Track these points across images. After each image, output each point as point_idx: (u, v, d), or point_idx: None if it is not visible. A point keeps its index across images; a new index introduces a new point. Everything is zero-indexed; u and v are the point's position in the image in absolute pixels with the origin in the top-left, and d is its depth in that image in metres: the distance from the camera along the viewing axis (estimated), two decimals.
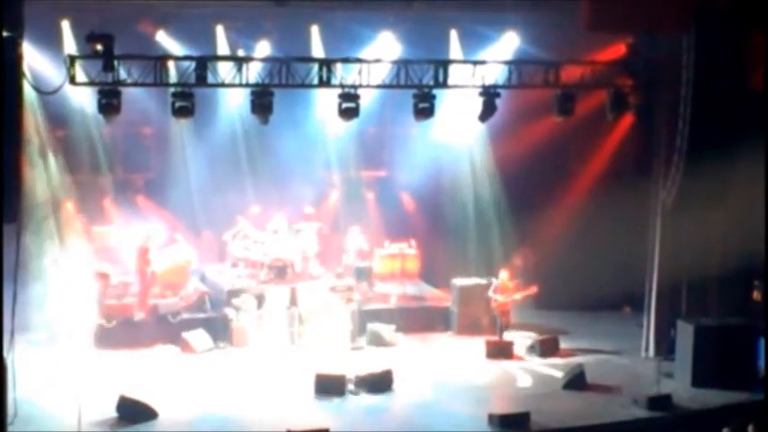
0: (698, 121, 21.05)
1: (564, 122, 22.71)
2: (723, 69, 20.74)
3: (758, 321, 21.03)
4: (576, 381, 20.34)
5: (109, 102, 20.00)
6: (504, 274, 22.91)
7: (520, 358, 22.23)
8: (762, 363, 20.56)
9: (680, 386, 20.21)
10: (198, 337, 22.06)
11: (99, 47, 19.31)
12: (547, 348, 22.48)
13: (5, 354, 17.06)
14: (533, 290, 23.09)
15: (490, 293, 22.87)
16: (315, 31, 22.93)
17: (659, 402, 19.12)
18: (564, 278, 24.43)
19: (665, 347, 21.70)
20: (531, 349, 22.56)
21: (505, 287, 22.73)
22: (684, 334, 20.81)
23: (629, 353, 22.56)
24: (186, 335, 22.00)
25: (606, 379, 20.72)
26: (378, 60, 21.87)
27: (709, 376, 20.20)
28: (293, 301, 22.67)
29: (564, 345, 22.89)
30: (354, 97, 21.05)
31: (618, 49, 22.82)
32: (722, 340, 20.49)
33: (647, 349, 22.49)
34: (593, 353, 22.63)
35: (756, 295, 21.39)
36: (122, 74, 20.01)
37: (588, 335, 23.78)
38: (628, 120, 23.59)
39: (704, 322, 20.81)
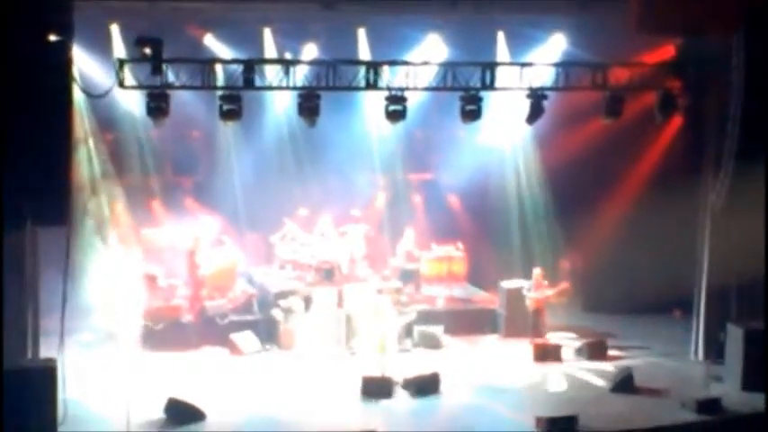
0: (747, 123, 20.87)
1: (612, 125, 22.58)
2: None
3: None
4: (625, 384, 20.25)
5: (157, 105, 20.12)
6: (536, 273, 22.92)
7: (568, 361, 22.16)
8: None
9: (729, 390, 20.06)
10: (245, 339, 22.15)
11: (148, 50, 19.42)
12: (594, 351, 22.38)
13: (56, 355, 17.25)
14: (565, 286, 23.09)
15: (524, 292, 22.90)
16: (362, 33, 22.94)
17: (708, 406, 18.98)
18: (612, 281, 24.35)
19: (715, 351, 21.50)
20: (579, 352, 22.47)
21: (538, 285, 22.76)
22: (734, 337, 20.65)
23: (678, 356, 22.42)
24: (234, 337, 22.10)
25: (654, 382, 20.60)
26: (425, 63, 21.89)
27: (759, 380, 19.98)
28: (340, 304, 22.70)
29: (612, 348, 22.79)
30: (401, 100, 21.05)
31: (666, 51, 22.67)
32: None
33: (696, 352, 22.35)
34: (642, 356, 22.51)
35: None
36: (171, 77, 20.12)
37: (637, 338, 23.65)
38: (677, 122, 23.45)
39: (754, 326, 20.62)
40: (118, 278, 21.99)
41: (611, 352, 22.62)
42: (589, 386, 20.69)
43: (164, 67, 19.76)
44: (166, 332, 22.11)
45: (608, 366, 21.63)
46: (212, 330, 22.35)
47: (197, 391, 19.04)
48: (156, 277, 23.04)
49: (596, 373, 21.32)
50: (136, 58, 19.94)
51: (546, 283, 23.04)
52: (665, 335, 23.78)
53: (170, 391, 18.54)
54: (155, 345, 21.81)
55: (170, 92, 20.18)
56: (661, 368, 21.81)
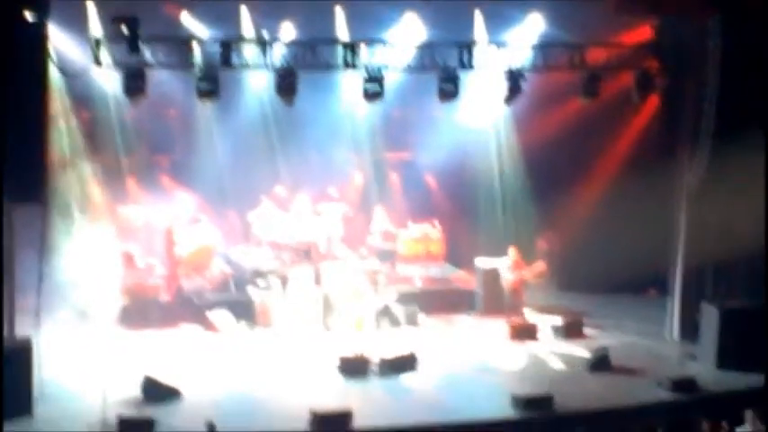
0: (724, 103, 20.97)
1: (589, 105, 22.66)
2: (750, 52, 20.65)
3: None
4: (601, 363, 20.34)
5: (134, 84, 20.10)
6: (511, 252, 22.99)
7: (544, 340, 22.24)
8: None
9: (704, 369, 20.15)
10: (222, 318, 22.14)
11: (124, 29, 19.35)
12: (571, 330, 22.48)
13: (31, 334, 17.22)
14: (542, 266, 23.19)
15: (501, 272, 22.98)
16: (339, 12, 22.86)
17: (683, 384, 19.09)
18: (588, 260, 24.34)
19: (690, 330, 21.62)
20: (556, 331, 22.55)
21: (515, 264, 22.85)
22: (709, 316, 20.74)
23: (654, 335, 22.50)
24: (211, 315, 22.10)
25: (630, 361, 20.68)
26: (402, 42, 21.86)
27: (734, 359, 20.11)
28: (317, 282, 22.71)
29: (588, 327, 22.89)
30: (379, 79, 21.06)
31: (644, 31, 22.73)
32: (747, 323, 20.38)
33: (671, 332, 22.45)
34: (618, 335, 22.58)
35: None
36: (147, 56, 20.06)
37: (613, 317, 23.75)
38: (653, 102, 23.50)
39: (729, 305, 20.73)
40: (94, 256, 21.95)
41: (587, 331, 22.72)
42: (565, 365, 20.75)
43: (140, 45, 19.68)
44: (143, 310, 22.09)
45: (584, 346, 21.70)
46: (189, 309, 22.36)
47: (173, 370, 19.03)
48: (133, 256, 23.00)
49: (572, 353, 21.40)
50: (112, 37, 19.87)
51: (523, 262, 23.13)
52: (640, 314, 23.85)
53: (146, 370, 18.52)
54: (131, 323, 21.80)
55: (147, 70, 20.12)
56: (637, 347, 21.89)
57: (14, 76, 16.71)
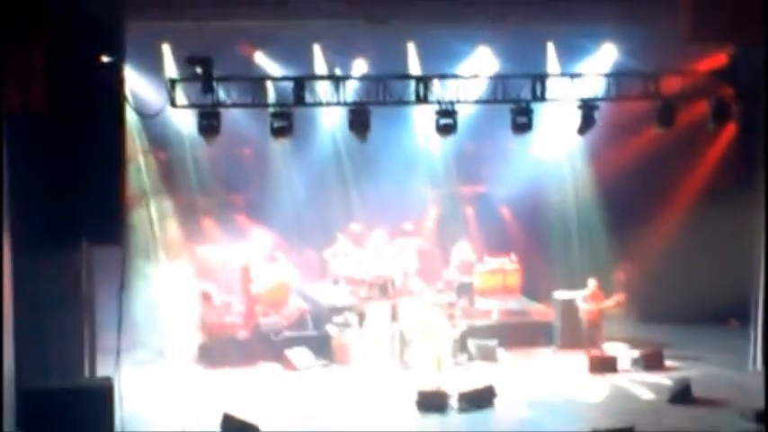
0: None
1: (665, 134, 22.44)
2: None
3: None
4: (682, 394, 20.08)
5: (209, 123, 20.26)
6: (591, 283, 22.82)
7: (624, 372, 22.01)
8: None
9: None
10: (300, 355, 22.21)
11: (198, 69, 19.58)
12: (651, 362, 22.22)
13: (113, 373, 17.37)
14: (621, 297, 23.00)
15: (578, 303, 22.82)
16: (411, 47, 22.96)
17: (766, 416, 18.77)
18: (667, 291, 24.17)
19: None
20: (635, 363, 22.31)
21: (593, 296, 22.67)
22: None
23: (736, 366, 22.20)
24: (288, 353, 22.17)
25: (712, 392, 20.41)
26: (475, 76, 21.88)
27: None
28: (394, 318, 22.68)
29: (668, 358, 22.61)
30: (452, 113, 21.05)
31: (718, 59, 22.50)
32: None
33: (754, 362, 22.12)
34: (699, 366, 22.32)
35: None
36: (222, 95, 20.26)
37: (693, 348, 23.46)
38: (730, 130, 23.28)
39: None
40: (172, 296, 22.15)
41: (667, 362, 22.45)
42: (646, 397, 20.54)
43: (214, 85, 19.88)
44: (222, 349, 22.23)
45: (665, 377, 21.47)
46: (267, 347, 22.43)
47: (252, 407, 19.09)
48: (211, 295, 23.17)
49: (653, 385, 21.16)
50: (187, 77, 20.11)
51: (602, 293, 22.94)
52: (722, 345, 23.56)
53: (225, 408, 18.59)
54: (210, 361, 21.94)
55: (221, 110, 20.32)
56: (719, 378, 21.60)
57: (92, 118, 16.95)
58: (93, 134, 16.99)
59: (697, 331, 24.41)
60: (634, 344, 23.36)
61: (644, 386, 21.15)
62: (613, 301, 23.14)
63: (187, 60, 19.79)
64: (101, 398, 16.79)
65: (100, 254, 18.18)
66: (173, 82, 20.19)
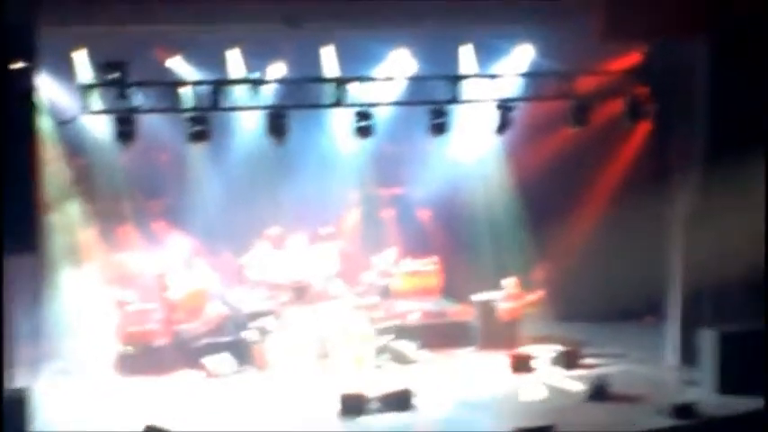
0: (715, 127, 21.02)
1: (581, 133, 22.67)
2: (740, 74, 20.71)
3: None
4: (600, 391, 20.27)
5: (125, 129, 20.10)
6: (509, 283, 22.98)
7: (543, 370, 22.17)
8: None
9: (704, 394, 20.10)
10: (220, 362, 22.06)
11: (114, 74, 19.41)
12: (570, 360, 22.42)
13: (27, 384, 17.15)
14: (539, 294, 23.21)
15: (498, 303, 22.96)
16: (328, 51, 22.92)
17: (683, 411, 19.01)
18: (585, 289, 24.33)
19: (689, 355, 21.56)
20: (555, 361, 22.49)
21: (511, 295, 22.83)
22: (708, 341, 20.70)
23: (653, 362, 22.47)
24: (208, 359, 22.03)
25: (630, 389, 20.62)
26: (392, 78, 21.91)
27: (733, 382, 20.08)
28: (315, 322, 22.63)
29: (586, 356, 22.82)
30: (369, 116, 21.09)
31: (633, 57, 22.79)
32: (746, 346, 20.38)
33: (670, 358, 22.40)
34: (617, 363, 22.54)
35: None
36: (138, 100, 20.10)
37: (611, 345, 23.67)
38: (645, 128, 23.54)
39: (727, 328, 20.69)
40: (90, 304, 21.90)
41: (586, 360, 22.66)
42: (565, 395, 20.72)
43: (130, 90, 19.72)
44: (140, 357, 22.01)
45: (583, 375, 21.66)
46: (186, 354, 22.22)
47: (173, 416, 18.94)
48: (128, 302, 22.95)
49: (572, 382, 21.35)
50: (102, 83, 19.92)
51: (520, 292, 23.11)
52: (639, 341, 23.79)
53: (146, 417, 18.44)
54: (129, 370, 21.71)
55: (137, 115, 20.15)
56: (636, 375, 21.84)
57: (5, 125, 16.73)
58: (6, 141, 16.77)
59: (614, 328, 24.62)
60: (553, 342, 23.53)
61: (563, 384, 21.33)
62: (530, 299, 23.32)
63: (102, 66, 19.61)
64: (16, 409, 16.59)
65: (13, 263, 17.91)
66: (87, 88, 19.97)
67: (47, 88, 20.17)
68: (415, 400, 19.86)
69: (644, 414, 19.31)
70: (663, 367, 22.20)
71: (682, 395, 19.84)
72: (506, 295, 23.08)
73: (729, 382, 20.16)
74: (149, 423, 18.08)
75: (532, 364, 22.25)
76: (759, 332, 20.70)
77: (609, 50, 22.37)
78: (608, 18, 20.73)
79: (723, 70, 20.77)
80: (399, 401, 19.78)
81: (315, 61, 22.71)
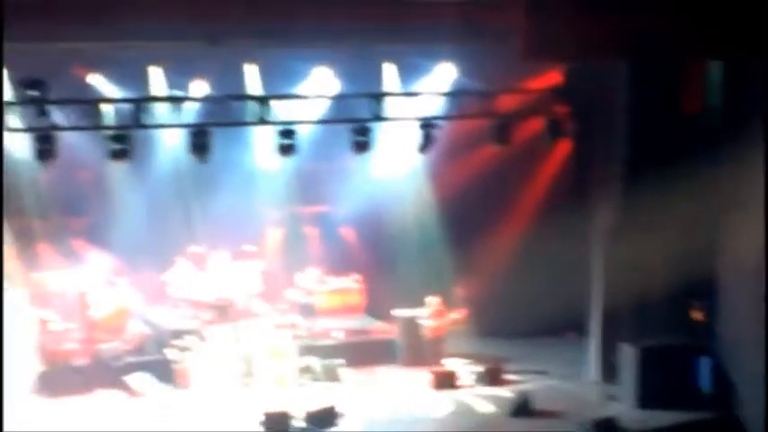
0: (634, 146, 21.30)
1: (503, 151, 22.86)
2: (657, 94, 21.04)
3: (699, 340, 21.28)
4: (522, 407, 20.41)
5: (44, 147, 19.88)
6: (433, 300, 23.08)
7: (466, 387, 22.26)
8: (705, 381, 20.77)
9: (624, 408, 20.35)
10: (141, 381, 21.86)
11: (33, 92, 19.20)
12: (492, 376, 22.53)
13: None
14: (463, 312, 23.35)
15: (421, 320, 23.04)
16: (251, 68, 22.87)
17: (604, 425, 19.20)
18: (507, 306, 24.52)
19: (610, 371, 21.79)
20: (477, 378, 22.60)
21: (436, 313, 22.93)
22: (627, 356, 20.96)
23: (574, 377, 22.66)
24: (129, 379, 21.82)
25: (552, 404, 20.80)
26: (315, 96, 21.93)
27: (653, 397, 20.36)
28: (237, 340, 22.54)
29: (509, 372, 22.96)
30: (292, 133, 21.09)
31: (553, 76, 23.06)
32: (665, 361, 20.69)
33: (591, 373, 22.61)
34: (539, 379, 22.72)
35: (697, 315, 21.58)
36: (57, 119, 19.91)
37: (533, 361, 23.83)
38: (565, 146, 23.80)
39: (646, 344, 20.97)
40: (9, 324, 21.58)
41: (508, 376, 22.79)
42: (487, 412, 20.82)
43: (50, 108, 19.53)
44: (60, 377, 21.74)
45: (506, 391, 21.79)
46: (107, 373, 21.97)
47: None
48: (48, 321, 22.68)
49: (494, 399, 21.46)
50: (21, 101, 19.70)
51: (444, 310, 23.20)
52: (560, 357, 24.00)
53: None
54: (48, 390, 21.43)
55: (57, 133, 19.96)
56: (558, 390, 22.03)
57: None
58: None
59: (536, 344, 24.78)
60: (476, 359, 23.62)
61: (486, 401, 21.44)
62: (455, 316, 23.42)
63: (20, 83, 19.41)
64: None
65: None
66: (7, 105, 19.74)
67: None
68: (339, 419, 19.86)
69: (565, 429, 19.48)
70: (584, 382, 22.40)
71: (603, 410, 20.04)
72: (430, 313, 23.15)
73: (649, 396, 20.41)
74: None
75: (455, 380, 22.34)
76: (678, 346, 21.06)
77: (530, 69, 22.61)
78: (529, 38, 20.85)
79: (642, 89, 21.03)
80: (324, 419, 19.76)
81: (237, 79, 22.65)
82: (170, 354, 22.39)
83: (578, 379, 22.57)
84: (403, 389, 22.24)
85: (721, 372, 20.72)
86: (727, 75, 21.10)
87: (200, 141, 20.68)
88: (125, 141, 20.36)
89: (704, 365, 20.88)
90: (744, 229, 20.00)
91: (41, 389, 21.43)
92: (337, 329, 24.71)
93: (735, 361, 20.42)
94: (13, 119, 19.82)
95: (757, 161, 19.51)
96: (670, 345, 21.09)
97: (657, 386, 20.46)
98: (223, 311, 23.58)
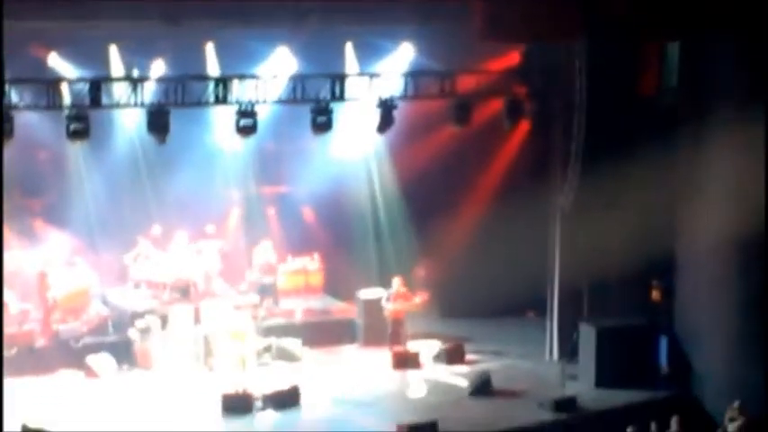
0: (592, 127, 21.43)
1: (462, 132, 22.93)
2: (615, 75, 21.15)
3: (657, 320, 21.47)
4: (483, 387, 20.54)
5: (2, 126, 19.72)
6: (396, 282, 23.13)
7: (426, 367, 22.34)
8: (663, 360, 20.95)
9: (584, 387, 20.53)
10: (102, 362, 21.80)
11: None
12: (452, 356, 22.63)
13: None
14: (424, 296, 23.41)
15: (383, 303, 23.08)
16: (210, 48, 22.77)
17: (564, 404, 19.40)
18: (467, 286, 24.60)
19: (569, 350, 21.94)
20: (437, 358, 22.70)
21: (398, 295, 22.98)
22: (587, 336, 21.13)
23: (534, 357, 22.82)
24: (89, 359, 21.74)
25: (512, 384, 20.96)
26: (274, 76, 21.87)
27: (612, 376, 20.56)
28: (197, 321, 22.51)
29: (469, 352, 23.07)
30: (252, 114, 21.03)
31: (512, 57, 23.12)
32: (623, 340, 20.88)
33: (551, 353, 22.79)
34: (499, 359, 22.87)
35: (655, 295, 21.76)
36: (14, 97, 19.76)
37: (493, 341, 23.96)
38: (524, 127, 23.87)
39: (605, 323, 21.15)
40: None
41: (468, 356, 22.91)
42: (448, 391, 20.94)
43: (6, 87, 19.37)
44: (20, 358, 21.58)
45: (466, 371, 21.90)
46: (67, 354, 21.90)
47: (53, 417, 18.69)
48: (6, 302, 22.53)
49: (455, 378, 21.57)
50: None
51: (407, 292, 23.24)
52: (520, 337, 24.16)
53: (24, 418, 18.18)
54: (8, 371, 21.23)
55: (14, 113, 19.80)
56: (518, 370, 22.18)
57: None
58: None
59: (496, 324, 24.93)
60: (436, 339, 23.72)
61: (446, 380, 21.55)
62: (418, 300, 23.45)
63: None
64: None
65: None
66: None
67: None
68: (300, 399, 19.90)
69: (526, 408, 19.65)
70: (544, 362, 22.56)
71: (562, 389, 20.17)
72: (392, 295, 23.16)
73: (608, 375, 20.58)
74: (26, 423, 17.86)
75: (415, 360, 22.41)
76: (636, 326, 21.24)
77: (489, 50, 22.65)
78: (487, 18, 20.97)
79: (599, 70, 21.12)
80: (286, 399, 19.79)
81: (196, 59, 22.55)
82: (131, 334, 22.34)
83: (538, 358, 22.73)
84: (364, 368, 22.30)
85: (679, 351, 20.93)
86: (683, 55, 21.24)
87: (159, 121, 20.59)
88: (83, 121, 20.24)
89: (662, 345, 21.08)
90: (702, 211, 20.21)
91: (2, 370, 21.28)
92: (298, 309, 24.72)
93: (692, 340, 20.63)
94: None
95: (713, 141, 19.71)
96: (628, 324, 21.28)
97: (616, 365, 20.64)
98: (183, 292, 23.52)
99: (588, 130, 21.44)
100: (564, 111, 21.99)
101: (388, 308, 23.04)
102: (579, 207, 21.81)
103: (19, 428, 17.76)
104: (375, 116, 21.95)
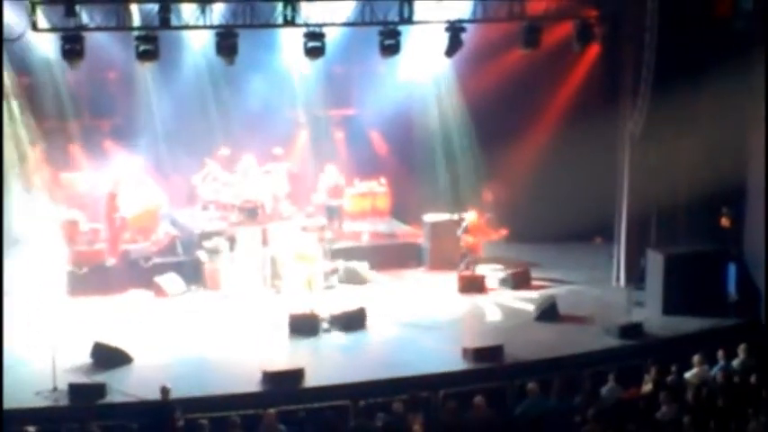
0: (664, 51, 21.11)
1: (531, 55, 22.70)
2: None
3: (726, 247, 21.26)
4: (549, 312, 20.53)
5: (72, 47, 19.81)
6: (472, 215, 23.07)
7: (493, 291, 22.36)
8: (731, 288, 20.78)
9: (651, 314, 20.44)
10: (170, 281, 22.08)
11: None
12: (519, 281, 22.64)
13: None
14: (503, 233, 23.33)
15: (460, 233, 23.04)
16: None
17: (630, 331, 19.34)
18: (534, 211, 24.47)
19: (636, 276, 21.84)
20: (504, 282, 22.71)
21: (475, 227, 22.92)
22: (654, 262, 20.99)
23: (601, 283, 22.73)
24: (158, 279, 22.02)
25: (578, 309, 20.91)
26: None
27: (680, 303, 20.43)
28: (265, 242, 22.65)
29: (536, 277, 23.06)
30: (320, 36, 20.93)
31: None
32: (691, 267, 20.71)
33: (617, 279, 22.69)
34: (565, 284, 22.84)
35: (724, 222, 21.52)
36: (85, 19, 19.83)
37: (560, 266, 23.92)
38: (594, 51, 23.61)
39: (674, 250, 21.00)
40: (38, 224, 21.74)
41: (535, 281, 22.89)
42: (514, 316, 20.95)
43: (77, 8, 19.41)
44: (90, 277, 21.95)
45: (532, 295, 21.89)
46: (136, 273, 22.21)
47: (123, 335, 19.00)
48: (78, 222, 22.81)
49: (521, 303, 21.58)
50: (48, 0, 19.60)
51: (484, 225, 23.15)
52: (587, 262, 24.07)
53: (96, 336, 18.49)
54: (79, 290, 21.62)
55: (85, 33, 19.88)
56: (584, 295, 22.12)
57: None
58: None
59: (563, 250, 24.81)
60: (502, 263, 23.74)
61: (512, 305, 21.56)
62: (496, 235, 23.40)
63: None
64: None
65: None
66: (33, 5, 19.62)
67: None
68: (366, 321, 20.02)
69: (592, 334, 19.61)
70: (611, 288, 22.46)
71: (629, 316, 20.11)
72: (468, 227, 23.09)
73: (675, 302, 20.47)
74: (98, 340, 18.16)
75: (482, 284, 22.43)
76: (704, 253, 21.05)
77: None
78: None
79: None
80: (352, 321, 19.93)
81: None
82: (200, 255, 22.55)
83: (605, 284, 22.63)
84: (430, 292, 22.36)
85: (748, 279, 20.75)
86: None
87: (227, 43, 20.56)
88: (152, 42, 20.26)
89: (731, 272, 20.89)
90: None
91: (71, 288, 21.61)
92: (364, 232, 24.81)
93: (762, 268, 20.41)
94: (41, 18, 19.70)
95: None
96: (697, 251, 21.10)
97: (684, 292, 20.50)
98: (251, 214, 23.61)
99: (659, 55, 21.14)
100: (635, 34, 21.68)
101: (467, 240, 23.01)
102: (649, 132, 21.59)
103: (91, 346, 18.05)
104: (443, 39, 21.76)
